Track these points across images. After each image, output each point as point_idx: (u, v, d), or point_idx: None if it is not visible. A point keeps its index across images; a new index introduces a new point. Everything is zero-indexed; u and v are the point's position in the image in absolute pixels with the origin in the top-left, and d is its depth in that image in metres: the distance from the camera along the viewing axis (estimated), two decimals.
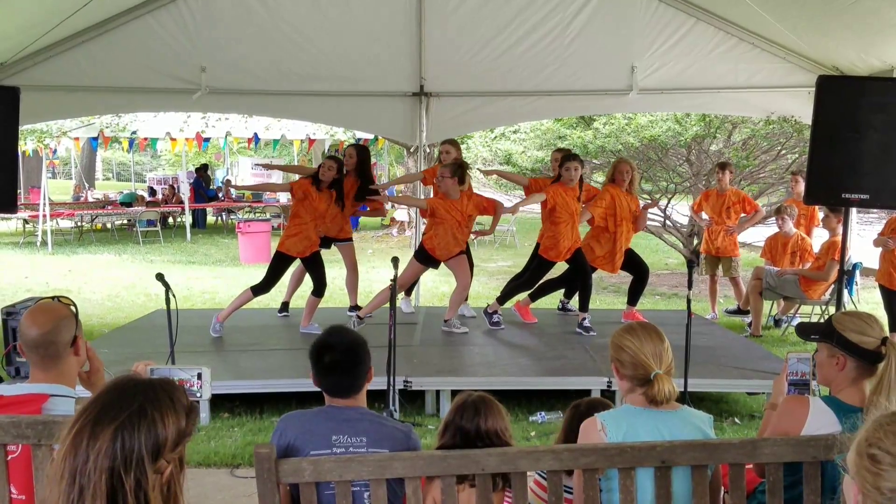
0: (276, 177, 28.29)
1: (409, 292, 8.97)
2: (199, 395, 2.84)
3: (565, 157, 7.93)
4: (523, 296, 8.41)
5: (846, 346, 2.85)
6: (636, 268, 8.38)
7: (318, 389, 3.15)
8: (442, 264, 7.81)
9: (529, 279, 8.27)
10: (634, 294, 8.53)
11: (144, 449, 1.63)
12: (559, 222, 7.77)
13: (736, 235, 9.76)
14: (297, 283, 8.59)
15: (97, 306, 10.79)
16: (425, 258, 7.70)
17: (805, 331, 3.15)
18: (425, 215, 7.97)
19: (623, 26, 8.23)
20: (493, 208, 7.79)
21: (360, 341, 3.17)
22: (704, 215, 9.98)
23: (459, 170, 7.55)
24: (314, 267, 7.78)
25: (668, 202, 13.68)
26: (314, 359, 3.12)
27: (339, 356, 3.07)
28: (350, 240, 8.44)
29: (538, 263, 8.15)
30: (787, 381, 3.24)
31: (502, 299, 8.28)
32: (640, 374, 2.82)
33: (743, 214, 9.75)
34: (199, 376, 2.84)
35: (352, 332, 3.24)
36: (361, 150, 8.43)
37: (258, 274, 13.54)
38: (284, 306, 8.75)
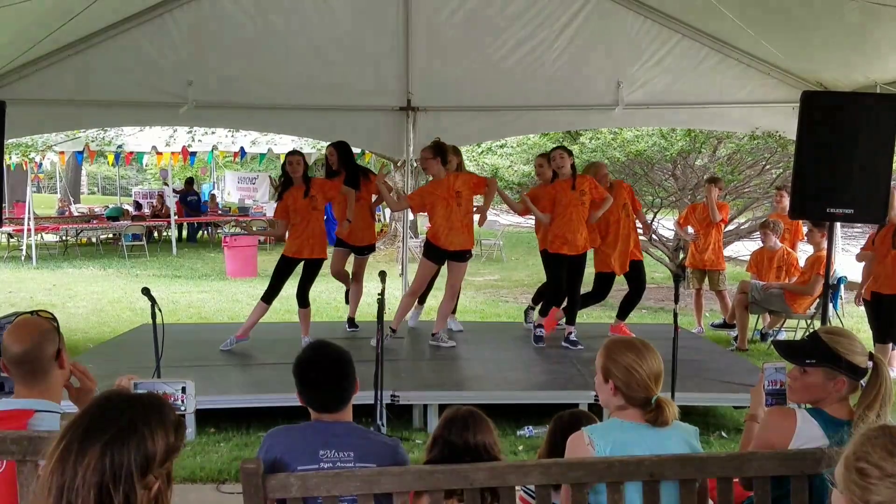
0: (261, 190, 28.27)
1: (422, 300, 8.84)
2: (183, 408, 2.83)
3: (553, 149, 7.99)
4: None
5: (849, 368, 2.83)
6: (636, 282, 8.39)
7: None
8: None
9: (556, 287, 8.10)
10: (626, 308, 8.54)
11: (134, 464, 1.62)
12: (555, 216, 7.77)
13: (722, 247, 9.79)
14: (356, 297, 8.59)
15: (82, 321, 10.72)
16: (432, 251, 7.68)
17: (794, 354, 3.01)
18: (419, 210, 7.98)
19: (609, 42, 8.27)
20: (483, 185, 7.79)
21: (345, 356, 3.16)
22: (690, 229, 10.02)
23: (440, 150, 7.57)
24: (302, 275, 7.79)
25: (654, 216, 13.73)
26: (298, 375, 3.10)
27: (323, 372, 3.06)
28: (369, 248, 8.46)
29: (548, 263, 8.06)
30: (764, 391, 3.24)
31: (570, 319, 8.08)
32: (639, 396, 2.80)
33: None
34: (184, 390, 2.84)
35: (335, 346, 3.23)
36: (340, 146, 8.18)
37: (244, 288, 13.56)
38: (351, 321, 8.67)
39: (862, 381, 2.85)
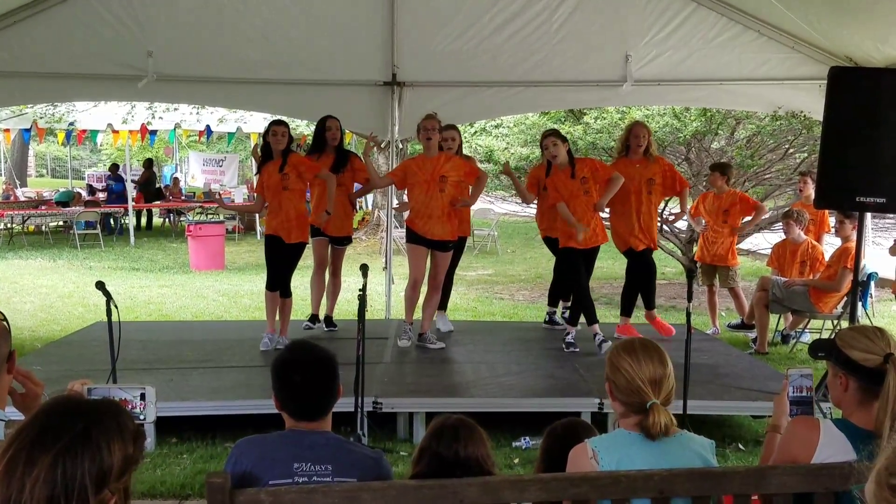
0: (230, 174, 28.18)
1: (444, 304, 8.76)
2: (142, 416, 2.82)
3: (543, 135, 8.02)
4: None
5: (847, 364, 2.86)
6: (643, 268, 8.43)
7: (277, 412, 3.13)
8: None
9: (567, 279, 8.23)
10: (629, 302, 8.57)
11: (88, 477, 1.61)
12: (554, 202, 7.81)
13: (734, 240, 9.80)
14: (334, 293, 8.65)
15: (29, 318, 10.69)
16: (412, 235, 7.73)
17: (814, 348, 3.15)
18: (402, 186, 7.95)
19: (616, 11, 8.29)
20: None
21: (331, 357, 3.15)
22: (702, 220, 10.03)
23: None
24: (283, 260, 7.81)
25: (666, 205, 13.75)
26: (278, 378, 3.08)
27: (308, 375, 3.05)
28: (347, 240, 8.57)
29: (561, 258, 8.12)
30: (788, 400, 3.25)
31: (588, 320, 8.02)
32: (635, 402, 2.81)
33: (746, 218, 9.82)
34: (143, 396, 2.82)
35: (319, 347, 3.23)
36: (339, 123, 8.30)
37: (210, 282, 13.54)
38: (314, 318, 8.66)
39: None
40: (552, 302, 9.13)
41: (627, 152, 8.19)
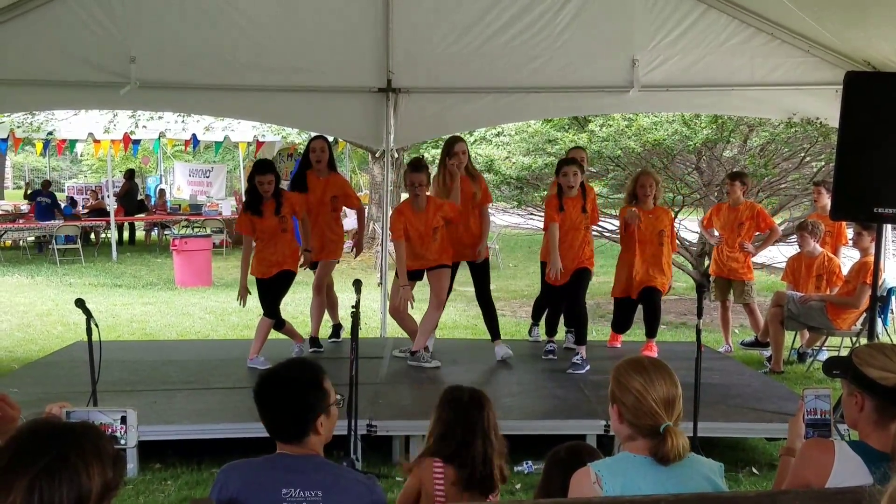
0: (217, 185, 28.17)
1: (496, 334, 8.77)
2: (123, 441, 2.83)
3: (561, 162, 8.09)
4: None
5: (863, 382, 2.87)
6: (647, 302, 8.48)
7: (265, 436, 3.13)
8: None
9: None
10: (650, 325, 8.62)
11: (66, 502, 1.63)
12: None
13: (751, 256, 9.80)
14: (320, 312, 8.68)
15: (5, 337, 10.69)
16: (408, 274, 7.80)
17: (829, 366, 3.16)
18: None
19: (622, 13, 8.30)
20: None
21: (318, 375, 3.15)
22: (715, 232, 10.04)
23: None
24: (272, 288, 7.88)
25: (675, 216, 13.77)
26: (261, 397, 3.10)
27: (292, 393, 3.06)
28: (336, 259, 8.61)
29: (544, 289, 8.44)
30: (804, 422, 3.25)
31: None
32: (646, 424, 2.81)
33: (758, 233, 9.82)
34: (124, 420, 2.83)
35: (308, 363, 3.24)
36: (327, 142, 8.44)
37: (196, 299, 13.53)
38: (314, 341, 8.64)
39: None
40: (536, 316, 9.26)
41: (636, 202, 8.33)
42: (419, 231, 7.68)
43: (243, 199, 7.89)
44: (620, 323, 8.80)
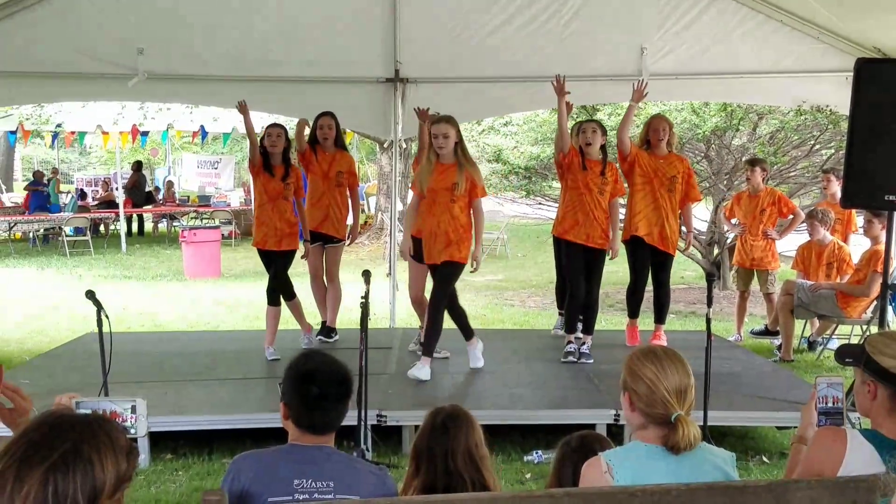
0: (225, 176, 28.21)
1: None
2: (133, 430, 2.83)
3: (585, 121, 8.00)
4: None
5: (876, 371, 2.87)
6: (657, 281, 8.35)
7: (277, 426, 3.14)
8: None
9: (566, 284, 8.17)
10: (659, 311, 8.48)
11: (80, 494, 1.63)
12: (567, 188, 7.78)
13: (774, 242, 9.73)
14: (322, 300, 8.60)
15: (16, 329, 10.72)
16: (416, 254, 7.51)
17: (841, 354, 3.15)
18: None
19: (631, 1, 8.27)
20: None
21: (348, 370, 3.19)
22: (735, 221, 9.99)
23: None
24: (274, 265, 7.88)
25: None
26: (297, 390, 3.07)
27: (329, 388, 3.07)
28: (341, 240, 8.43)
29: (560, 252, 8.18)
30: (816, 410, 3.25)
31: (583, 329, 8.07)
32: (658, 413, 2.80)
33: (781, 220, 9.78)
34: (134, 409, 2.83)
35: (334, 358, 3.25)
36: (335, 119, 8.23)
37: (206, 290, 13.56)
38: (326, 329, 8.56)
39: None
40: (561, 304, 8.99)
41: (648, 147, 8.11)
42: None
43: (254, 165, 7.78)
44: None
